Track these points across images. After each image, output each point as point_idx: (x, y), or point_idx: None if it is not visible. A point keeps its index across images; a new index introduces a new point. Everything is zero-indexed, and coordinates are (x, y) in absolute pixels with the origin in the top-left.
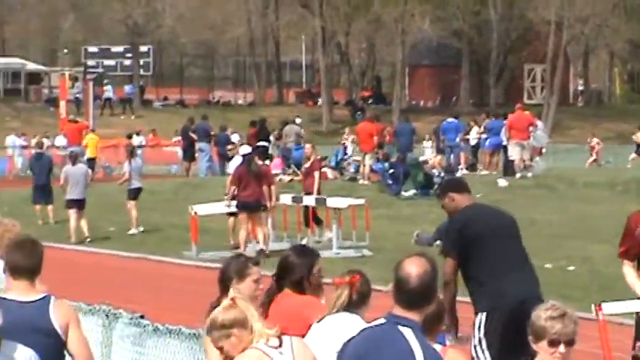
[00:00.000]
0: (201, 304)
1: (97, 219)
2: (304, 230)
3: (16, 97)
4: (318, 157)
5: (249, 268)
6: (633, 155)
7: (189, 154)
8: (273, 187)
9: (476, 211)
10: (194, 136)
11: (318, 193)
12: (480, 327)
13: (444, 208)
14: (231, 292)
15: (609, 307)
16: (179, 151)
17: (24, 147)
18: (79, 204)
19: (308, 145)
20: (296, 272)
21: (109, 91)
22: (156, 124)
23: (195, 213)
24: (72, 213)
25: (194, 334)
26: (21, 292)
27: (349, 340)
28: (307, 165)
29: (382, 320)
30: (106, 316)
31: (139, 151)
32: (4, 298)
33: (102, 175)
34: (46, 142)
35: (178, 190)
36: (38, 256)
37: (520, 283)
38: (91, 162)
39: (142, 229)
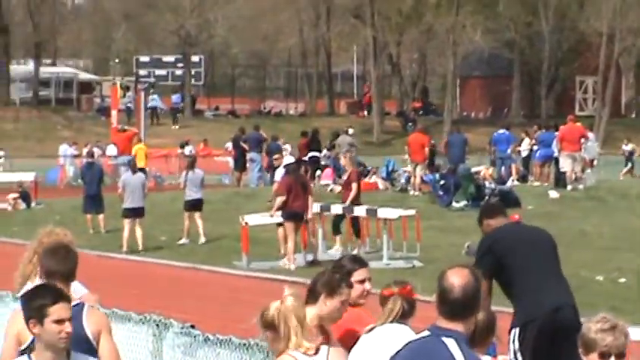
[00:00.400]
0: (251, 314)
1: (148, 228)
2: (355, 240)
3: (68, 107)
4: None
5: (341, 287)
6: None
7: (240, 164)
8: (311, 198)
9: (506, 228)
10: (245, 146)
11: (356, 204)
12: (514, 340)
13: (484, 234)
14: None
15: None
16: (230, 161)
17: (75, 156)
18: (136, 212)
19: (345, 157)
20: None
21: (155, 101)
22: (207, 134)
23: (246, 223)
24: (127, 222)
25: (244, 345)
26: None
27: (396, 354)
28: (345, 177)
29: (426, 332)
30: (157, 325)
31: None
32: None
33: (153, 185)
34: (97, 151)
35: (229, 200)
36: (72, 261)
37: (553, 293)
38: (141, 171)
39: (203, 240)
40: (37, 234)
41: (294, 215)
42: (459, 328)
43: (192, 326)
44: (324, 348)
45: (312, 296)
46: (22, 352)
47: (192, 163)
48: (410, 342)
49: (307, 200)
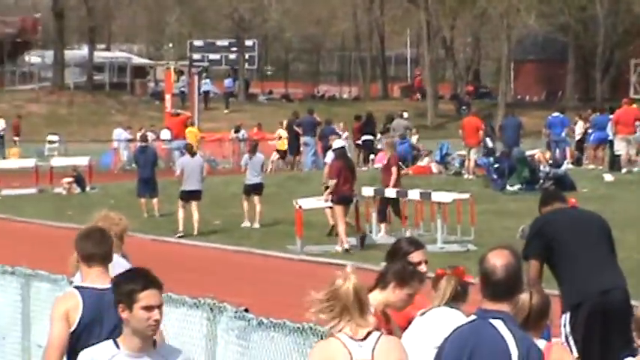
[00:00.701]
0: (305, 299)
1: (202, 212)
2: (398, 221)
3: (122, 91)
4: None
5: (412, 280)
6: None
7: (294, 148)
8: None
9: (558, 211)
10: (299, 130)
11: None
12: (565, 325)
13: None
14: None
15: None
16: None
17: (129, 140)
18: (194, 195)
19: (384, 141)
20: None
21: (207, 85)
22: (260, 118)
23: (300, 207)
24: (182, 205)
25: (298, 328)
26: (97, 279)
27: (446, 339)
28: (385, 161)
29: (473, 317)
30: (211, 309)
31: (242, 145)
32: (83, 287)
33: (207, 169)
34: (150, 135)
35: (283, 183)
36: (108, 244)
37: (602, 276)
38: None
39: (257, 225)
40: (92, 218)
41: (344, 199)
42: (504, 309)
43: (247, 310)
44: (374, 334)
45: (381, 282)
46: (108, 338)
47: (254, 148)
48: (458, 327)
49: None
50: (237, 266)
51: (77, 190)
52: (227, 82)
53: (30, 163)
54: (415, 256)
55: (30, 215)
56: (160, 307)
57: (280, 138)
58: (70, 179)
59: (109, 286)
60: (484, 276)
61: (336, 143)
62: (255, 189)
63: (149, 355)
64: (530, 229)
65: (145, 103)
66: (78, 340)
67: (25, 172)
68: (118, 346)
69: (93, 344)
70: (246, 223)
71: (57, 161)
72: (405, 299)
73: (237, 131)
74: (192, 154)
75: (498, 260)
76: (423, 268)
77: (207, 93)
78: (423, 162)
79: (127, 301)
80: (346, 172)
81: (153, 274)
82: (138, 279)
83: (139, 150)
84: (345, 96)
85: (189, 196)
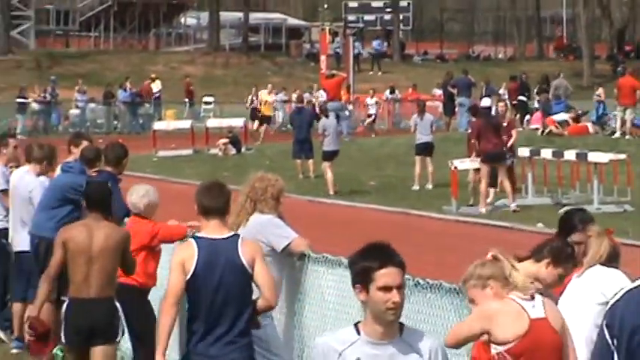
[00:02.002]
0: (460, 259)
1: (357, 173)
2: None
3: (277, 52)
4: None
5: (567, 262)
6: None
7: (449, 109)
8: (512, 139)
9: None
10: (453, 90)
11: (512, 151)
12: None
13: None
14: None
15: None
16: (439, 105)
17: (284, 101)
18: (335, 155)
19: (502, 103)
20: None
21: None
22: (415, 79)
23: (455, 168)
24: (328, 166)
25: (454, 289)
26: (213, 230)
27: (613, 305)
28: (505, 123)
29: None
30: None
31: (397, 106)
32: (200, 237)
33: (362, 130)
34: (307, 96)
35: (439, 144)
36: (225, 197)
37: None
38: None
39: (430, 186)
40: (248, 179)
41: (487, 157)
42: None
43: None
44: (537, 296)
45: (537, 254)
46: (354, 325)
47: (422, 108)
48: (628, 291)
49: (502, 140)
50: (392, 227)
51: (233, 151)
52: (375, 43)
53: (186, 124)
54: (577, 237)
55: (186, 176)
56: (400, 287)
57: (266, 103)
58: (226, 140)
59: (223, 236)
60: None
61: (484, 102)
62: (426, 148)
63: (393, 342)
64: None
65: (300, 64)
66: (194, 286)
67: (181, 134)
68: (358, 332)
69: (207, 292)
70: (416, 187)
71: (212, 122)
72: (555, 279)
73: (392, 92)
74: (328, 115)
75: None
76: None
77: (357, 55)
78: (580, 122)
79: (364, 282)
80: (488, 130)
81: (392, 250)
82: (375, 256)
83: (295, 111)
84: (500, 56)
85: (331, 156)
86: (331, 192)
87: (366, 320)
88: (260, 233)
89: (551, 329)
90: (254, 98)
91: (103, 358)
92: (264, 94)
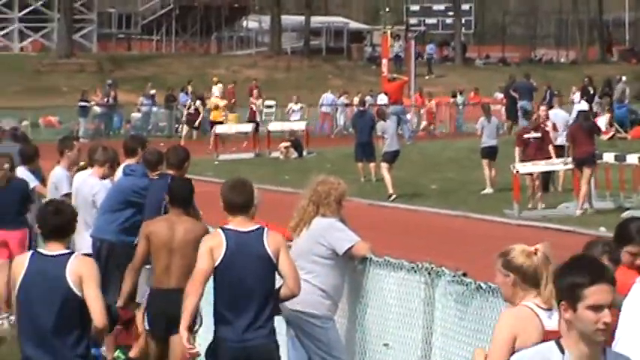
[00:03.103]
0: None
1: (418, 176)
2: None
3: (338, 56)
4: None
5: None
6: None
7: (512, 113)
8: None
9: None
10: (515, 94)
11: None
12: None
13: None
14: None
15: None
16: (501, 109)
17: (346, 105)
18: (396, 156)
19: (543, 108)
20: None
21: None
22: (477, 83)
23: (517, 171)
24: (387, 168)
25: None
26: (239, 223)
27: None
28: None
29: None
30: (429, 273)
31: (460, 109)
32: (227, 229)
33: (423, 134)
34: (369, 100)
35: (501, 147)
36: (249, 194)
37: None
38: None
39: (490, 190)
40: (310, 182)
41: (578, 161)
42: None
43: (465, 274)
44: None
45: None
46: (556, 342)
47: (488, 111)
48: None
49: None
50: (453, 230)
51: (294, 154)
52: (429, 47)
53: (247, 127)
54: (634, 249)
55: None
56: (610, 306)
57: (217, 108)
58: (287, 144)
59: (249, 229)
60: None
61: (580, 106)
62: (491, 151)
63: None
64: None
65: (361, 67)
66: (222, 273)
67: (242, 137)
68: (562, 351)
69: (234, 279)
70: (489, 190)
71: (274, 126)
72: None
73: (454, 95)
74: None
75: None
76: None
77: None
78: None
79: (570, 298)
80: (581, 134)
81: (603, 264)
82: (585, 271)
83: (357, 114)
84: (562, 59)
85: (390, 157)
86: (391, 191)
87: (569, 338)
88: (322, 237)
89: None
90: (191, 102)
91: (181, 346)
92: (214, 98)
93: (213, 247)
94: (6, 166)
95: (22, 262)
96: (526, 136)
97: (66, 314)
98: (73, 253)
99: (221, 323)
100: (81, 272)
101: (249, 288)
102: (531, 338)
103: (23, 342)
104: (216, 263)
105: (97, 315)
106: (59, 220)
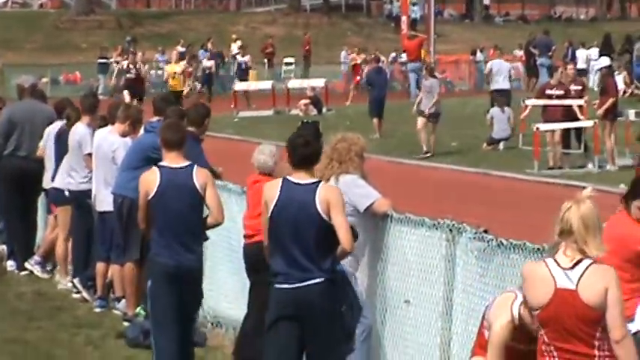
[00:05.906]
0: (543, 220)
1: (439, 134)
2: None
3: (357, 13)
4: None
5: None
6: None
7: (531, 70)
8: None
9: None
10: (535, 51)
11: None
12: None
13: None
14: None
15: None
16: (520, 66)
17: (365, 62)
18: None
19: (570, 66)
20: None
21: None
22: (497, 40)
23: (537, 128)
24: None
25: (538, 249)
26: (172, 160)
27: None
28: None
29: None
30: (450, 230)
31: (481, 66)
32: (163, 165)
33: (444, 91)
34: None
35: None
36: (182, 133)
37: None
38: None
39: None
40: (329, 140)
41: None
42: None
43: (486, 231)
44: (584, 263)
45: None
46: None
47: (502, 103)
48: None
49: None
50: (474, 188)
51: (314, 111)
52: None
53: (267, 85)
54: None
55: (266, 137)
56: None
57: (175, 75)
58: (307, 101)
59: (180, 165)
60: None
61: (602, 61)
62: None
63: None
64: None
65: (380, 25)
66: (156, 204)
67: (262, 94)
68: None
69: (166, 209)
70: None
71: (293, 83)
72: None
73: (473, 53)
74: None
75: None
76: None
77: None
78: None
79: None
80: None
81: None
82: None
83: (373, 72)
84: (582, 17)
85: (438, 117)
86: (425, 148)
87: None
88: (344, 193)
89: (579, 302)
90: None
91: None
92: (172, 65)
93: (149, 182)
94: None
95: (275, 187)
96: (548, 91)
97: (315, 238)
98: (320, 181)
99: (156, 245)
100: (329, 199)
101: (180, 216)
102: (540, 296)
103: (274, 261)
104: (150, 196)
105: (344, 240)
106: (309, 151)
